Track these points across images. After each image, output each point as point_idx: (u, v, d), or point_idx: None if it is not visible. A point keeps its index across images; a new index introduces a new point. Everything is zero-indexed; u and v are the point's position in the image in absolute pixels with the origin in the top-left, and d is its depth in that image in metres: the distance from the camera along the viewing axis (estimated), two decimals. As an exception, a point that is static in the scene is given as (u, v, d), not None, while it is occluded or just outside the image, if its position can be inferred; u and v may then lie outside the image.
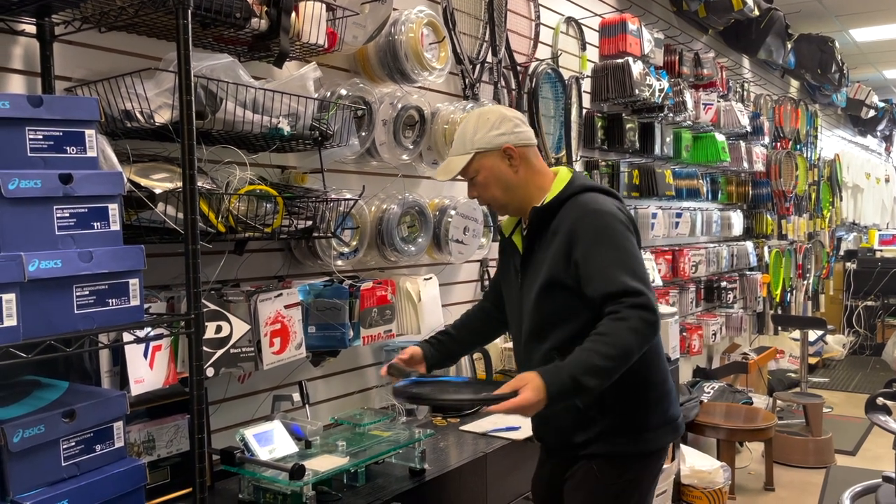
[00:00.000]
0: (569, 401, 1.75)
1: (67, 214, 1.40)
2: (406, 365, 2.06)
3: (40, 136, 1.39)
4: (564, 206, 1.89)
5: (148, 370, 1.80)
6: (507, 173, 1.92)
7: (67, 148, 1.43)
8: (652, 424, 1.92)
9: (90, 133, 1.46)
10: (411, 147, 2.72)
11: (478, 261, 3.30)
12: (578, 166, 3.91)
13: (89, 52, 1.87)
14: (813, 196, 7.83)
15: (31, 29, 1.74)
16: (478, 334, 2.24)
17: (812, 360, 7.29)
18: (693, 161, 5.07)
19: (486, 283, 3.35)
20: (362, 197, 2.34)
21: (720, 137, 5.17)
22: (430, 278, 2.76)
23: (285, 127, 1.94)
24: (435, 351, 2.13)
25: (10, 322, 1.25)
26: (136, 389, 1.77)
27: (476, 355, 2.90)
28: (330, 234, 2.23)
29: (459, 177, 1.96)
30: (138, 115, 1.72)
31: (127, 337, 1.63)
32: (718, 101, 5.19)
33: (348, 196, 2.25)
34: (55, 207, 1.38)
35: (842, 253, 9.36)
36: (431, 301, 2.71)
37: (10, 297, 1.25)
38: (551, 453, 2.09)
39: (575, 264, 1.82)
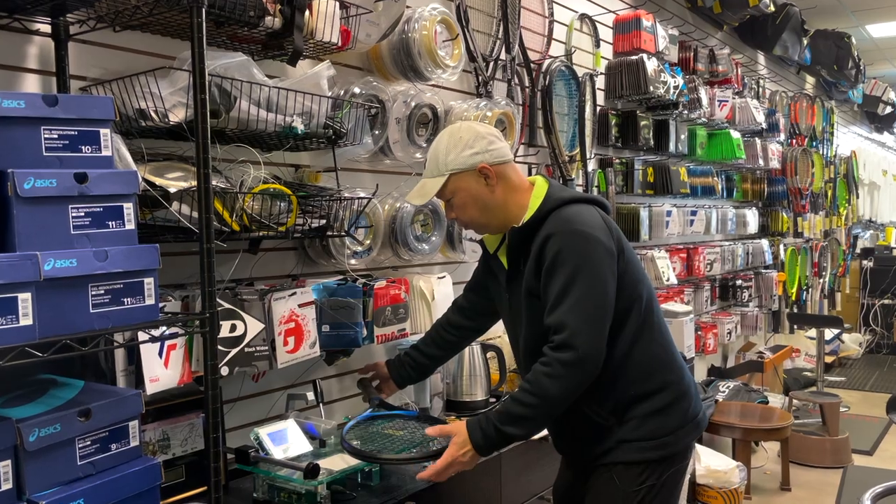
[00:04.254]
0: (499, 449, 1.80)
1: (83, 213, 1.40)
2: (372, 381, 2.17)
3: (55, 136, 1.39)
4: (545, 222, 1.82)
5: (163, 369, 1.81)
6: (483, 193, 1.86)
7: (82, 147, 1.43)
8: (671, 427, 1.89)
9: (105, 132, 1.46)
10: (425, 145, 2.71)
11: (491, 259, 3.28)
12: (592, 164, 3.89)
13: (104, 51, 1.88)
14: (829, 193, 7.76)
15: (46, 28, 1.74)
16: (447, 347, 2.26)
17: (828, 359, 7.23)
18: (708, 158, 5.03)
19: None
20: (376, 195, 2.33)
21: (735, 134, 5.13)
22: (444, 277, 2.75)
23: (299, 125, 1.94)
24: (402, 371, 2.22)
25: (26, 321, 1.25)
26: (151, 388, 1.77)
27: (490, 354, 2.88)
28: (343, 233, 2.22)
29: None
30: (153, 114, 1.72)
31: (142, 336, 1.63)
32: (734, 98, 5.15)
33: (362, 195, 2.24)
34: (70, 206, 1.38)
35: (858, 251, 9.27)
36: (445, 300, 2.70)
37: (25, 297, 1.25)
38: (571, 462, 2.08)
39: (541, 281, 1.81)
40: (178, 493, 1.93)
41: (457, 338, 2.25)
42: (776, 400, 5.10)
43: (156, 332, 1.51)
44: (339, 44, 2.13)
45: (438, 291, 2.67)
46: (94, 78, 1.82)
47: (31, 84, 1.75)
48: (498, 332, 3.29)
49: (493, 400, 2.83)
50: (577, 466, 2.02)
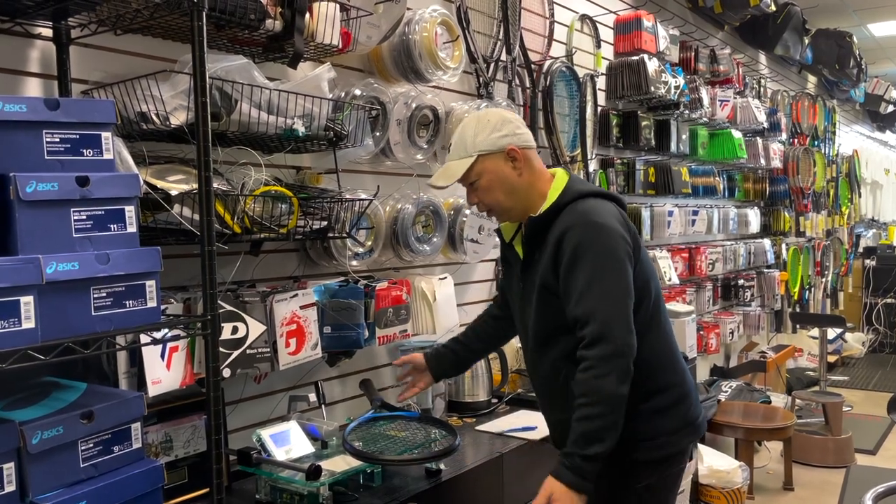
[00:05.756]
0: (593, 475, 1.72)
1: (84, 217, 1.40)
2: (410, 374, 2.15)
3: (57, 139, 1.40)
4: (561, 214, 1.82)
5: (165, 371, 1.81)
6: (511, 176, 1.86)
7: (84, 150, 1.43)
8: (669, 429, 1.89)
9: (107, 135, 1.46)
10: (426, 146, 2.72)
11: (493, 260, 3.29)
12: (593, 164, 3.88)
13: (105, 54, 1.88)
14: (831, 192, 7.75)
15: (48, 32, 1.75)
16: (488, 340, 2.24)
17: (831, 359, 7.22)
18: (709, 158, 5.03)
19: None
20: (377, 197, 2.33)
21: (737, 134, 5.12)
22: (445, 278, 2.76)
23: (300, 128, 1.95)
24: (442, 363, 2.19)
25: (28, 324, 1.26)
26: (153, 390, 1.78)
27: (492, 355, 2.88)
28: (345, 235, 2.23)
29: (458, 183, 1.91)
30: (154, 118, 1.72)
31: (144, 338, 1.63)
32: (735, 98, 5.14)
33: (363, 196, 2.24)
34: (72, 210, 1.38)
35: (861, 250, 9.26)
36: (446, 301, 2.71)
37: (28, 300, 1.26)
38: None
39: (559, 277, 1.79)
40: (181, 494, 1.94)
41: (497, 331, 2.23)
42: (779, 400, 5.09)
43: (158, 335, 1.52)
44: (340, 46, 2.14)
45: (440, 292, 2.67)
46: (95, 81, 1.83)
47: (33, 87, 1.76)
48: (500, 333, 3.29)
49: (494, 401, 2.84)
50: None
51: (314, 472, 1.84)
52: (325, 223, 2.09)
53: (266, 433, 2.00)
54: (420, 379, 2.23)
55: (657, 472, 1.89)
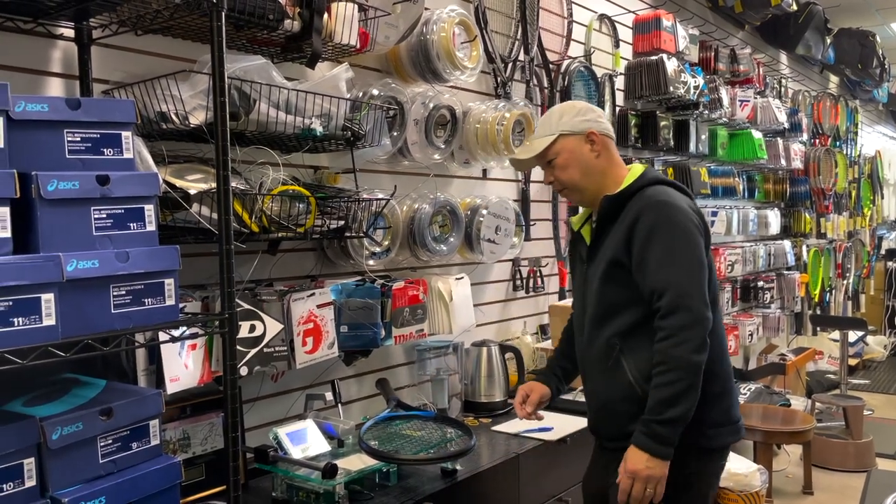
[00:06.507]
0: (672, 441, 1.78)
1: (104, 215, 1.42)
2: (538, 403, 2.15)
3: (78, 139, 1.41)
4: (634, 196, 1.90)
5: (183, 369, 1.83)
6: (588, 157, 1.96)
7: (104, 150, 1.45)
8: (713, 421, 1.89)
9: (127, 135, 1.48)
10: (443, 146, 2.72)
11: (510, 260, 3.29)
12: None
13: (126, 54, 1.90)
14: (853, 194, 7.65)
15: (70, 33, 1.77)
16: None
17: (852, 362, 7.12)
18: (729, 159, 4.99)
19: (518, 282, 3.33)
20: (394, 197, 2.34)
21: (757, 134, 5.08)
22: (462, 278, 2.76)
23: (318, 127, 1.95)
24: (560, 381, 2.22)
25: (48, 321, 1.27)
26: (171, 388, 1.79)
27: (508, 355, 2.88)
28: (362, 234, 2.23)
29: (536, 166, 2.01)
30: (173, 117, 1.74)
31: (162, 336, 1.64)
32: (755, 98, 5.10)
33: (380, 196, 2.25)
34: (92, 208, 1.40)
35: (883, 252, 9.13)
36: (463, 301, 2.70)
37: (48, 297, 1.27)
38: (605, 446, 2.05)
39: (633, 252, 1.84)
40: (198, 491, 1.95)
41: None
42: (798, 403, 5.04)
43: (176, 333, 1.53)
44: (358, 46, 2.14)
45: (457, 292, 2.67)
46: (116, 81, 1.85)
47: (55, 87, 1.78)
48: (516, 334, 3.30)
49: (511, 401, 2.83)
50: (611, 451, 1.97)
51: (330, 471, 1.84)
52: (342, 223, 2.10)
53: (283, 431, 2.01)
54: (546, 400, 2.20)
55: (697, 461, 1.89)
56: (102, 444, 1.44)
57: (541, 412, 2.19)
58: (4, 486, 1.30)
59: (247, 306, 1.97)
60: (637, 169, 1.99)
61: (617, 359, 1.90)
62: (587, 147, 1.96)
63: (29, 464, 1.34)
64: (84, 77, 1.76)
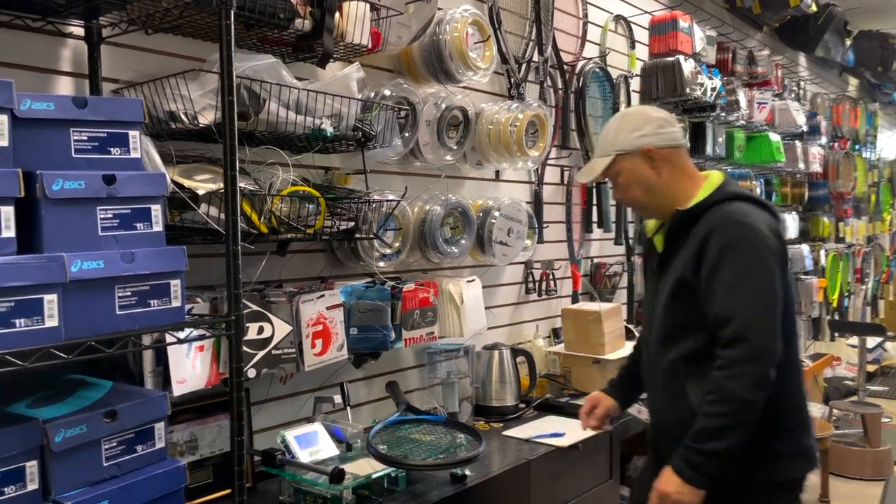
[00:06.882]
0: (711, 474, 1.69)
1: (111, 215, 1.40)
2: (603, 417, 2.12)
3: (85, 137, 1.40)
4: (707, 212, 1.80)
5: (190, 371, 1.81)
6: (648, 175, 1.87)
7: (111, 149, 1.43)
8: (785, 452, 1.79)
9: (134, 134, 1.46)
10: (455, 147, 2.69)
11: (522, 263, 3.25)
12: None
13: (136, 53, 1.89)
14: (873, 198, 7.56)
15: (80, 31, 1.76)
16: None
17: (870, 368, 7.02)
18: (746, 162, 4.92)
19: (530, 285, 3.30)
20: (405, 198, 2.31)
21: (775, 137, 5.01)
22: (473, 280, 2.73)
23: (328, 128, 1.93)
24: (628, 393, 2.16)
25: (51, 322, 1.26)
26: (178, 390, 1.78)
27: (520, 359, 2.85)
28: (372, 236, 2.21)
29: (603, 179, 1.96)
30: (182, 117, 1.72)
31: (168, 338, 1.63)
32: (773, 100, 5.04)
33: (391, 197, 2.22)
34: (98, 208, 1.38)
35: (902, 257, 9.01)
36: (474, 303, 2.67)
37: (51, 298, 1.26)
38: (665, 461, 1.91)
39: (701, 274, 1.75)
40: (206, 494, 1.94)
41: None
42: (815, 409, 4.96)
43: (181, 335, 1.51)
44: (370, 46, 2.12)
45: (468, 295, 2.64)
46: (126, 80, 1.83)
47: (65, 86, 1.77)
48: (528, 337, 3.26)
49: (522, 406, 2.80)
50: (661, 467, 1.85)
51: (337, 476, 1.82)
52: (352, 224, 2.08)
53: (290, 434, 1.99)
54: (614, 411, 2.17)
55: (767, 497, 1.80)
56: (107, 446, 1.43)
57: (593, 421, 2.14)
58: (6, 489, 1.29)
59: (255, 308, 1.95)
60: (715, 179, 1.88)
61: (681, 385, 1.81)
62: (647, 165, 1.86)
63: (31, 466, 1.33)
64: (94, 76, 1.75)
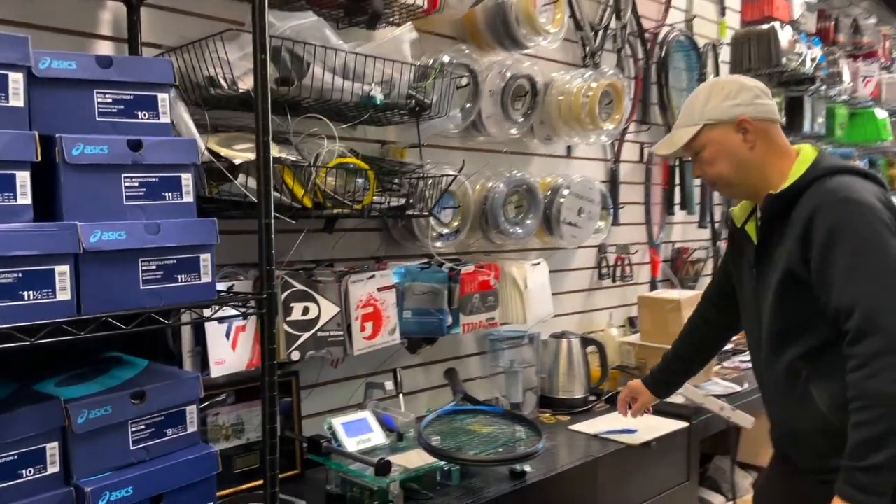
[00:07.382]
0: (883, 489, 1.46)
1: (136, 183, 1.31)
2: (641, 411, 2.13)
3: (109, 100, 1.31)
4: (807, 191, 1.60)
5: (230, 351, 1.72)
6: (740, 149, 1.68)
7: (139, 112, 1.34)
8: None
9: (163, 97, 1.37)
10: (521, 120, 2.51)
11: (595, 246, 3.06)
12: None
13: (177, 16, 1.81)
14: None
15: (120, -6, 1.68)
16: (699, 345, 2.05)
17: None
18: (848, 140, 4.60)
19: (604, 270, 3.10)
20: (465, 174, 2.16)
21: (881, 114, 4.67)
22: (539, 263, 2.55)
23: (378, 95, 1.79)
24: (667, 388, 2.12)
25: (63, 296, 1.17)
26: (216, 371, 1.70)
27: (590, 349, 2.67)
28: (427, 213, 2.06)
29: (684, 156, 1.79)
30: (221, 81, 1.62)
31: (195, 316, 1.52)
32: (880, 74, 4.70)
33: (448, 171, 2.07)
34: (123, 175, 1.29)
35: None
36: (539, 288, 2.50)
37: (63, 269, 1.17)
38: (805, 478, 1.72)
39: (811, 262, 1.55)
40: (254, 479, 1.86)
41: (707, 334, 2.04)
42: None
43: (208, 312, 1.40)
44: (426, 7, 1.97)
45: (532, 280, 2.47)
46: (167, 46, 1.75)
47: (104, 50, 1.70)
48: (601, 326, 3.07)
49: (592, 398, 2.62)
50: (806, 474, 1.70)
51: (383, 468, 1.71)
52: (404, 200, 1.94)
53: (338, 421, 1.89)
54: (636, 399, 2.14)
55: None
56: (134, 429, 1.35)
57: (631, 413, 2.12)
58: (25, 471, 1.22)
59: (300, 287, 1.85)
60: (808, 154, 1.68)
61: (804, 387, 1.60)
62: (738, 137, 1.67)
63: (52, 448, 1.25)
64: (133, 40, 1.67)
